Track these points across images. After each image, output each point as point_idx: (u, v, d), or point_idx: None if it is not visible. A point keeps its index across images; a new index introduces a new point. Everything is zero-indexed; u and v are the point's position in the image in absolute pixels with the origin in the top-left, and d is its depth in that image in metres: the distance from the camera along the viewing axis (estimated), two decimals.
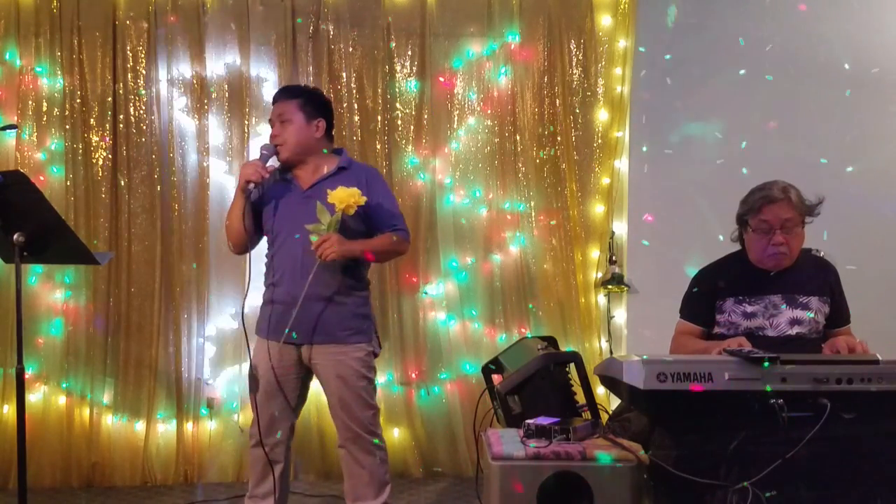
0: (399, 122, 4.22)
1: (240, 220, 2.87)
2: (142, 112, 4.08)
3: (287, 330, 2.80)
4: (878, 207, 4.21)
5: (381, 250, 2.93)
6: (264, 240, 3.01)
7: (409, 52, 4.21)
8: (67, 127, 4.05)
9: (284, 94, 3.01)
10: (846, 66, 4.23)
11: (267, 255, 2.98)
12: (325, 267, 2.78)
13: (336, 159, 2.99)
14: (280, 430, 2.92)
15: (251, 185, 2.85)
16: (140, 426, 4.04)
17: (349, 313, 2.88)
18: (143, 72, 4.08)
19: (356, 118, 4.18)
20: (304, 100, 2.95)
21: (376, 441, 2.90)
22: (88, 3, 4.05)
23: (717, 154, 4.19)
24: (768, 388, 2.19)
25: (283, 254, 2.87)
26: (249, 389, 2.93)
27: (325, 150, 2.99)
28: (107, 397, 4.03)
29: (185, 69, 4.12)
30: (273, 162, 2.95)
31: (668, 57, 4.21)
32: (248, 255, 2.94)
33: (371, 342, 2.94)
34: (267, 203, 2.94)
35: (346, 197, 2.71)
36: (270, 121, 2.98)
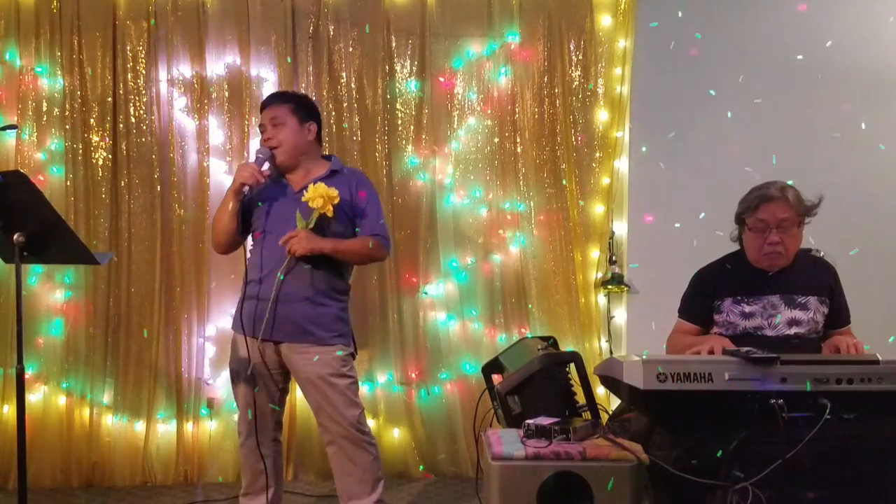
0: (399, 122, 4.22)
1: (230, 220, 2.89)
2: (142, 112, 4.08)
3: (269, 327, 2.82)
4: (879, 207, 4.21)
5: (353, 252, 2.92)
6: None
7: (409, 52, 4.21)
8: (67, 127, 4.05)
9: (277, 98, 3.05)
10: (848, 66, 4.23)
11: (251, 252, 2.99)
12: (306, 268, 2.82)
13: (327, 164, 3.03)
14: (266, 424, 2.95)
15: (245, 188, 2.87)
16: (140, 426, 4.04)
17: (333, 316, 2.91)
18: (143, 72, 4.08)
19: (356, 118, 4.17)
20: (297, 104, 3.00)
21: (367, 438, 2.91)
22: (88, 3, 4.05)
23: (717, 154, 4.18)
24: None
25: (271, 252, 2.88)
26: (233, 387, 2.98)
27: (319, 154, 3.03)
28: (107, 397, 4.03)
29: (185, 69, 4.12)
30: (268, 165, 2.96)
31: (668, 57, 4.21)
32: (245, 255, 2.95)
33: (349, 345, 2.97)
34: (258, 204, 2.96)
35: (321, 194, 2.76)
36: (261, 125, 3.00)
